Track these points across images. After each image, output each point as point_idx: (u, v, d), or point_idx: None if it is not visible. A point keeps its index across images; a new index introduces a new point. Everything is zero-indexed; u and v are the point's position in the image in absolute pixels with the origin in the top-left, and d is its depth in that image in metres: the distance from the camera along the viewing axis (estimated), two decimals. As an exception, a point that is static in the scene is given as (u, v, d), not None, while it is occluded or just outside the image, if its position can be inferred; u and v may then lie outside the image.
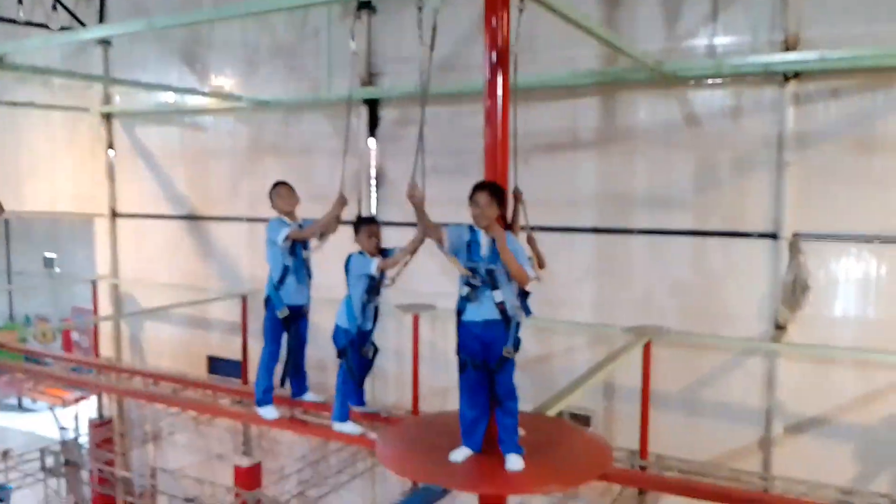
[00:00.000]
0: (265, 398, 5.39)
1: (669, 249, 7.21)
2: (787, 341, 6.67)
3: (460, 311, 4.02)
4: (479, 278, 3.94)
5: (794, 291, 6.59)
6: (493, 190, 3.94)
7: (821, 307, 6.63)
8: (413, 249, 4.56)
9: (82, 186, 11.32)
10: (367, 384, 5.48)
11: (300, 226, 5.41)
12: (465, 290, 3.98)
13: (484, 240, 3.96)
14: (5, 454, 8.54)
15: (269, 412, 5.38)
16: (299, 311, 5.45)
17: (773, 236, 6.70)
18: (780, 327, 6.72)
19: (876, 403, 6.43)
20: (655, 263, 7.29)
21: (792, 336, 6.69)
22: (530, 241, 4.59)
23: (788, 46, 6.46)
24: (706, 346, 7.04)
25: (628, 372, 6.83)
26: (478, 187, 3.96)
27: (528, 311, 4.49)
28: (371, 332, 5.25)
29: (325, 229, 5.37)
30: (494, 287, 3.92)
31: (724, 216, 6.93)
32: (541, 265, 4.59)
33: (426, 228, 4.10)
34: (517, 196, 4.48)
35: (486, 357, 3.95)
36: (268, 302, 5.38)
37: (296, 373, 5.63)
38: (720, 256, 7.01)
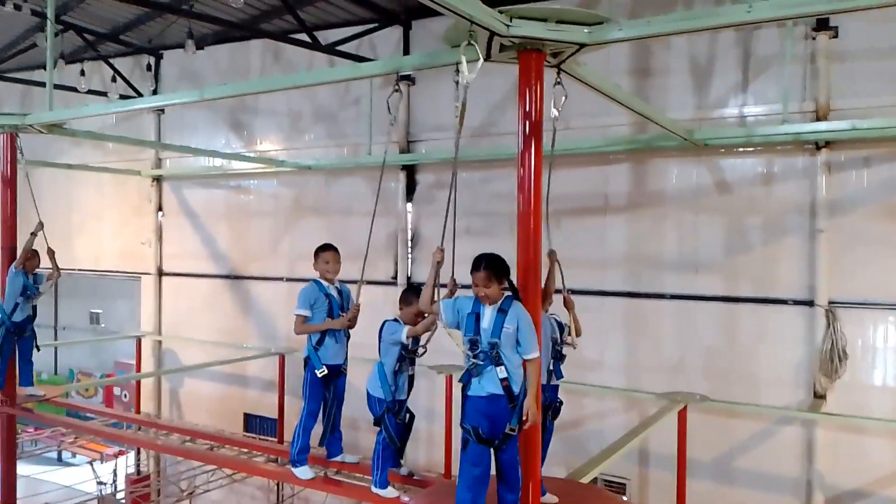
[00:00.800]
0: (300, 458, 5.44)
1: (701, 314, 7.21)
2: (826, 410, 6.56)
3: (465, 385, 3.93)
4: (482, 353, 3.84)
5: (832, 359, 6.52)
6: (490, 265, 3.90)
7: (859, 375, 6.54)
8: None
9: (129, 245, 11.76)
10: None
11: (339, 290, 5.52)
12: (470, 362, 3.90)
13: (487, 313, 3.90)
14: (45, 507, 8.70)
15: (303, 472, 5.43)
16: (338, 370, 5.54)
17: (809, 303, 6.68)
18: (818, 396, 6.63)
19: (919, 476, 6.26)
20: (686, 328, 7.28)
21: (831, 405, 6.59)
22: (567, 305, 4.65)
23: (819, 116, 6.57)
24: (742, 414, 6.95)
25: (662, 438, 6.77)
26: (475, 264, 3.93)
27: (559, 375, 4.54)
28: (405, 400, 5.13)
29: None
30: (497, 363, 3.81)
31: (757, 282, 6.94)
32: (577, 332, 4.64)
33: (424, 300, 4.18)
34: (552, 257, 4.58)
35: (491, 433, 3.83)
36: (307, 362, 5.48)
37: (332, 432, 5.69)
38: (753, 322, 6.99)
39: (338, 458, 5.72)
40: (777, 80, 6.75)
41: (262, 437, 10.03)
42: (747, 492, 6.92)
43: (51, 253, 7.35)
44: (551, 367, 4.46)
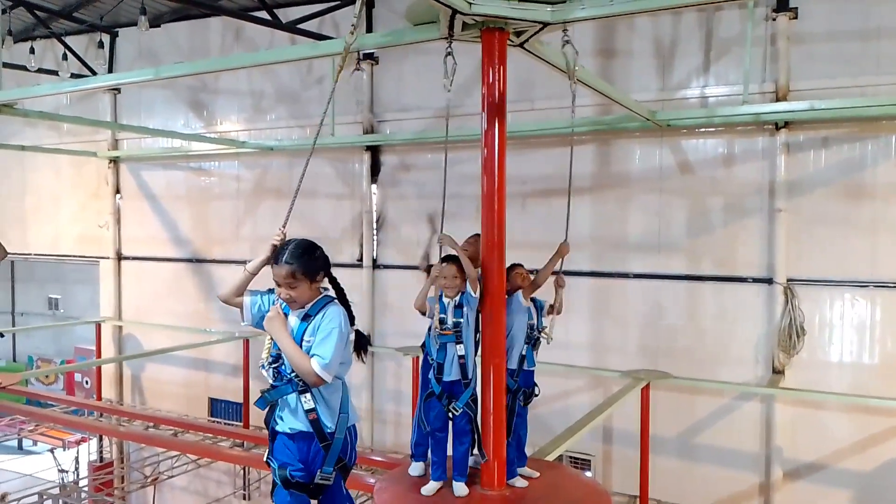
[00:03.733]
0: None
1: (665, 293, 7.31)
2: (784, 385, 6.72)
3: (265, 419, 3.33)
4: (282, 375, 3.11)
5: (791, 336, 6.66)
6: (294, 257, 3.13)
7: (817, 351, 6.70)
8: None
9: (87, 229, 11.49)
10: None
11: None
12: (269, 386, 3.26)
13: (291, 321, 3.15)
14: (3, 497, 8.52)
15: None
16: None
17: (768, 281, 6.80)
18: (777, 372, 6.78)
19: (873, 448, 6.45)
20: (651, 307, 7.38)
21: (789, 380, 6.74)
22: (558, 283, 4.61)
23: (779, 97, 6.65)
24: (704, 391, 7.08)
25: (626, 415, 6.87)
26: (275, 256, 3.16)
27: (531, 362, 4.52)
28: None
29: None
30: (302, 389, 3.05)
31: (718, 261, 7.05)
32: (558, 310, 4.64)
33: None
34: (563, 252, 4.49)
35: (306, 477, 3.24)
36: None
37: None
38: (715, 301, 7.10)
39: None
40: (738, 62, 6.81)
41: (228, 421, 9.94)
42: (709, 467, 7.08)
43: None
44: (524, 353, 4.44)
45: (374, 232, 9.01)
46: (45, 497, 8.73)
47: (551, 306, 4.68)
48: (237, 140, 9.72)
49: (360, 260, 9.02)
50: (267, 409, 3.21)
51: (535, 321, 4.49)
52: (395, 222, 8.91)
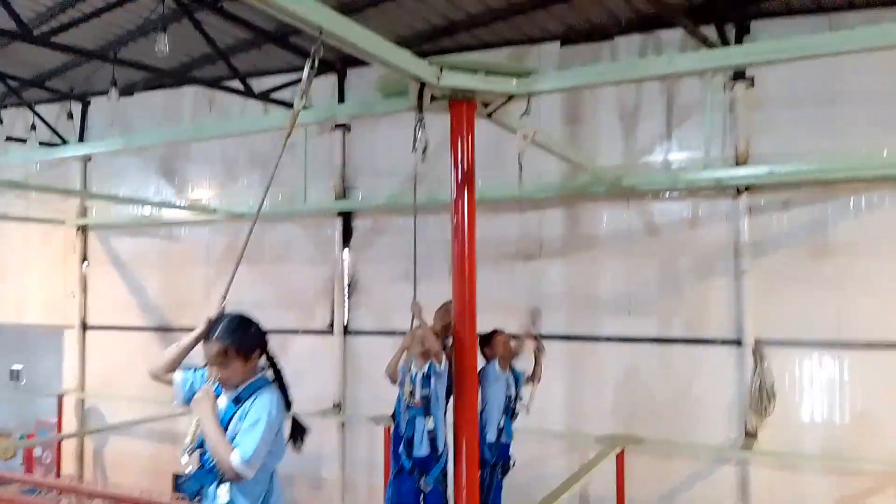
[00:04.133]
0: None
1: (637, 355, 7.32)
2: (758, 448, 6.69)
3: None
4: (205, 464, 2.93)
5: (762, 398, 6.67)
6: (227, 333, 2.97)
7: (789, 412, 6.71)
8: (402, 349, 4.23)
9: (54, 297, 11.25)
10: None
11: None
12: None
13: (222, 402, 2.97)
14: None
15: None
16: None
17: (737, 342, 6.86)
18: (749, 434, 6.76)
19: (849, 510, 6.41)
20: (624, 369, 7.37)
21: (762, 442, 6.72)
22: (537, 349, 4.57)
23: (739, 161, 6.84)
24: (678, 455, 7.02)
25: (603, 481, 6.75)
26: (208, 331, 2.99)
27: (509, 434, 4.44)
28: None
29: None
30: (222, 478, 2.84)
31: (688, 323, 7.10)
32: (538, 377, 4.60)
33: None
34: (534, 317, 4.49)
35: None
36: None
37: None
38: (687, 362, 7.13)
39: None
40: (699, 128, 7.02)
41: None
42: (687, 533, 6.96)
43: None
44: (501, 425, 4.36)
45: (346, 297, 8.95)
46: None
47: (530, 376, 4.64)
48: (208, 207, 9.69)
49: (332, 326, 8.92)
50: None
51: (513, 392, 4.43)
52: (367, 287, 8.87)
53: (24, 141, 10.05)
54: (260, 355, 2.98)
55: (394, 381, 4.04)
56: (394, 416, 4.10)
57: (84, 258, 11.00)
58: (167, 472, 10.06)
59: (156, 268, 10.42)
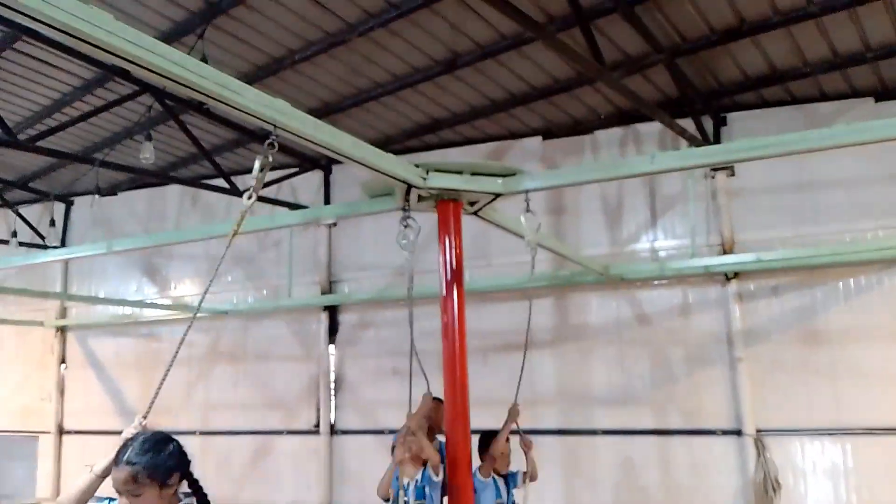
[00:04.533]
0: None
1: (634, 448, 7.10)
2: (766, 543, 6.42)
3: None
4: None
5: (766, 489, 6.45)
6: (140, 456, 2.55)
7: (795, 502, 6.48)
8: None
9: (30, 401, 10.87)
10: None
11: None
12: None
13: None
14: None
15: None
16: None
17: (737, 433, 6.68)
18: (757, 528, 6.50)
19: None
20: (622, 463, 7.13)
21: (770, 537, 6.45)
22: (525, 446, 4.39)
23: (725, 248, 6.86)
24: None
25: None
26: (116, 455, 2.61)
27: None
28: None
29: None
30: None
31: (686, 413, 6.94)
32: (533, 476, 4.41)
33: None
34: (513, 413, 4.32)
35: None
36: None
37: None
38: (686, 454, 6.92)
39: None
40: (684, 216, 7.09)
41: None
42: None
43: None
44: None
45: (332, 395, 8.70)
46: None
47: (524, 474, 4.46)
48: (191, 305, 9.53)
49: (318, 425, 8.62)
50: None
51: (504, 499, 4.25)
52: (354, 384, 8.65)
53: (5, 243, 9.94)
54: (179, 480, 2.56)
55: (386, 500, 3.83)
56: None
57: (62, 360, 10.71)
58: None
59: (135, 368, 10.14)
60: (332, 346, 8.80)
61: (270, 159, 3.10)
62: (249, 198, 3.08)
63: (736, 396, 6.68)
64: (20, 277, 10.87)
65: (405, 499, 3.67)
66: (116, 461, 2.49)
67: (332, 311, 8.88)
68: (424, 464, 3.84)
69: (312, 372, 8.83)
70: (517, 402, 4.44)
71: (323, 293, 8.81)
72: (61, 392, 10.67)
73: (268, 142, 3.05)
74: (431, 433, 4.71)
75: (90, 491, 2.62)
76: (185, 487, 2.60)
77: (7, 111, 7.39)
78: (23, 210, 10.49)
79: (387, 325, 8.51)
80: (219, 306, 9.28)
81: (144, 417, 2.72)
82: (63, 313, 10.83)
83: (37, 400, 10.79)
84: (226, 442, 9.11)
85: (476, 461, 4.12)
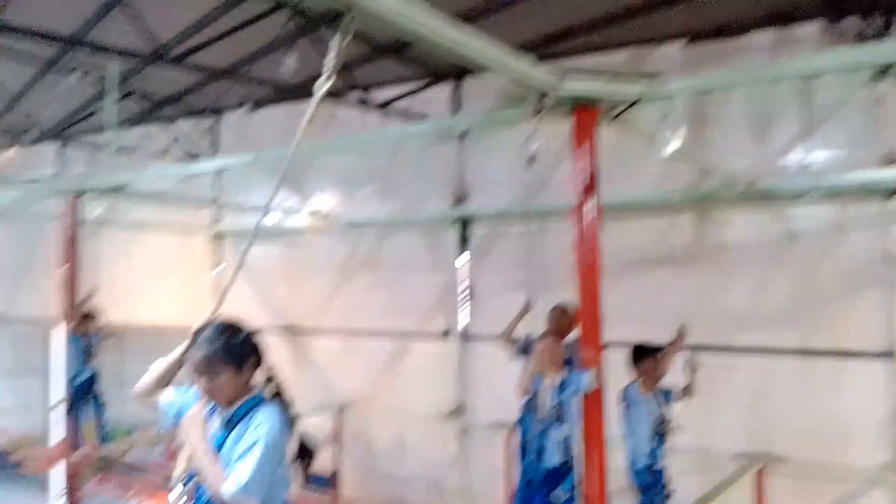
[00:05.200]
0: None
1: (776, 369, 6.85)
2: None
3: None
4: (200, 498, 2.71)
5: (916, 418, 6.08)
6: (215, 340, 2.71)
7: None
8: None
9: (190, 302, 11.92)
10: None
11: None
12: None
13: (214, 424, 2.70)
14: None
15: None
16: None
17: (888, 355, 6.28)
18: (904, 455, 6.18)
19: None
20: (760, 384, 6.92)
21: (919, 466, 6.12)
22: (692, 366, 4.38)
23: (887, 163, 6.27)
24: (823, 478, 6.50)
25: (735, 502, 6.37)
26: (191, 340, 2.74)
27: (654, 458, 4.18)
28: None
29: None
30: None
31: (832, 335, 6.58)
32: (690, 393, 4.41)
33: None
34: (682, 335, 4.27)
35: None
36: None
37: None
38: (831, 377, 6.60)
39: None
40: (840, 127, 6.50)
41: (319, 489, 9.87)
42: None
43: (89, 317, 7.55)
44: (651, 448, 4.14)
45: (465, 303, 8.97)
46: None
47: (685, 389, 4.45)
48: (330, 215, 9.98)
49: (449, 332, 8.96)
50: None
51: (663, 410, 4.22)
52: (484, 293, 8.85)
53: (163, 156, 10.76)
54: (254, 367, 2.66)
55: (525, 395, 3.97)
56: (519, 424, 4.03)
57: (218, 264, 11.62)
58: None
59: (283, 273, 10.84)
60: (463, 257, 9.00)
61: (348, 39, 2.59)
62: (328, 78, 2.69)
63: (890, 319, 6.24)
64: (178, 187, 11.75)
65: (545, 397, 3.78)
66: (193, 345, 2.61)
67: (464, 224, 9.03)
68: (564, 366, 3.92)
69: (445, 281, 9.09)
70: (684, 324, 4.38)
71: (455, 205, 8.95)
72: (217, 294, 11.59)
73: (346, 19, 2.52)
74: (561, 337, 4.79)
75: (167, 376, 2.75)
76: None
77: (158, 29, 7.83)
78: (175, 125, 11.25)
79: (516, 238, 8.57)
80: (356, 218, 9.67)
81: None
82: (217, 222, 11.66)
83: (196, 301, 11.81)
84: (366, 343, 9.66)
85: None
